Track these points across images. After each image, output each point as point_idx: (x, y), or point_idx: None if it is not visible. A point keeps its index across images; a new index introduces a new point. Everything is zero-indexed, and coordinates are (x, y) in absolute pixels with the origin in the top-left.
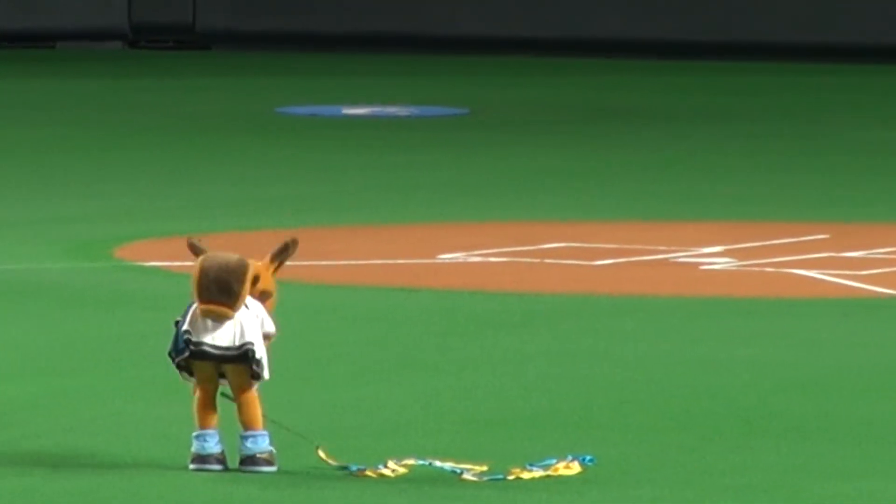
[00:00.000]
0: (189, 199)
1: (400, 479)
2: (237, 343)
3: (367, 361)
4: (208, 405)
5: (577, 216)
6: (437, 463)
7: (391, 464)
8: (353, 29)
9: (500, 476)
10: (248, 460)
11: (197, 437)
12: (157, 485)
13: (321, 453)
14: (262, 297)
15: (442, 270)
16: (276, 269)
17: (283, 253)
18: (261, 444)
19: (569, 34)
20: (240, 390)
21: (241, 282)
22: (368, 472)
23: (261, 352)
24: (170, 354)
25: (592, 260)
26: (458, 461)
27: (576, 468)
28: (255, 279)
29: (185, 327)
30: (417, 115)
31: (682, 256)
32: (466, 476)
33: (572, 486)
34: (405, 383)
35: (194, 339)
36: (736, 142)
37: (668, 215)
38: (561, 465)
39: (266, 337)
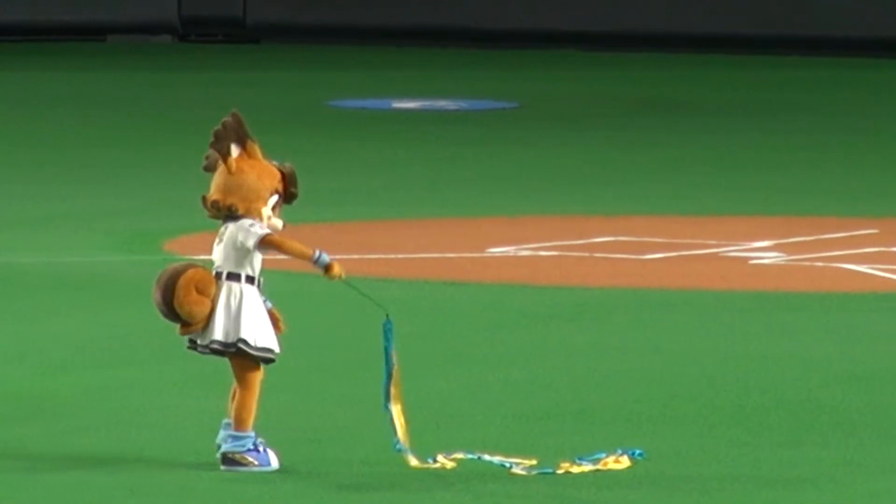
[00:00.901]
0: None
1: (448, 472)
2: (231, 339)
3: (416, 355)
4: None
5: (626, 210)
6: (486, 456)
7: (440, 457)
8: (403, 22)
9: (550, 470)
10: (222, 456)
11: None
12: (205, 479)
13: (401, 435)
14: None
15: (491, 264)
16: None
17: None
18: (236, 444)
19: (619, 28)
20: (239, 383)
21: (173, 300)
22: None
23: (255, 335)
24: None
25: (642, 254)
26: (507, 455)
27: (625, 462)
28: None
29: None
30: (467, 108)
31: (731, 251)
32: (516, 470)
33: (622, 480)
34: (454, 377)
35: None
36: (786, 136)
37: (717, 209)
38: (610, 459)
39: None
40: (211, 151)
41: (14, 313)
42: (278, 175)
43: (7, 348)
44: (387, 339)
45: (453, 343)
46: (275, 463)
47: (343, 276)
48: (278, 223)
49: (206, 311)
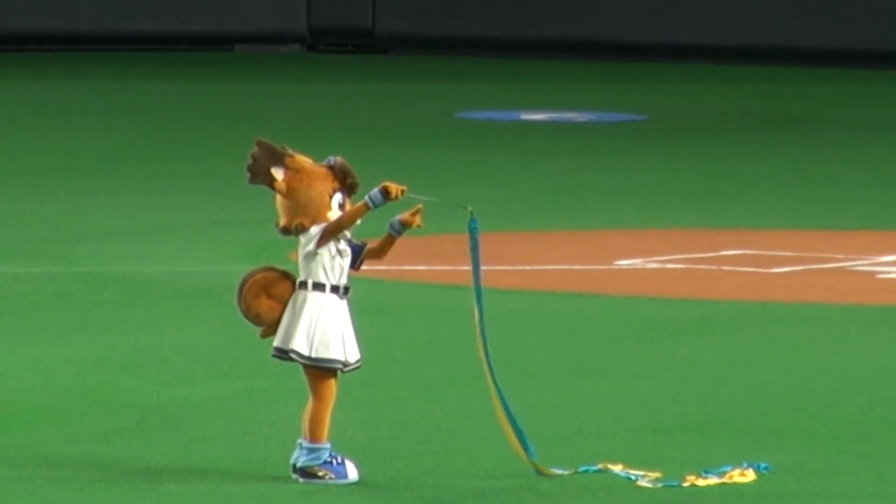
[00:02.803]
0: None
1: (574, 484)
2: (286, 347)
3: (542, 366)
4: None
5: (754, 223)
6: (612, 468)
7: (561, 470)
8: (531, 34)
9: (675, 483)
10: (295, 469)
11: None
12: (334, 492)
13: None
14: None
15: (619, 276)
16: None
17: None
18: (311, 457)
19: (747, 41)
20: (311, 393)
21: (241, 305)
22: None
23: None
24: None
25: (770, 267)
26: (632, 466)
27: (751, 475)
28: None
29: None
30: (595, 120)
31: (859, 265)
32: (641, 482)
33: (747, 493)
34: (580, 389)
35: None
36: None
37: (845, 223)
38: (736, 472)
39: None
40: (256, 179)
41: (138, 323)
42: (329, 173)
43: (131, 358)
44: (473, 238)
45: (580, 355)
46: (353, 475)
47: (404, 188)
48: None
49: (275, 315)
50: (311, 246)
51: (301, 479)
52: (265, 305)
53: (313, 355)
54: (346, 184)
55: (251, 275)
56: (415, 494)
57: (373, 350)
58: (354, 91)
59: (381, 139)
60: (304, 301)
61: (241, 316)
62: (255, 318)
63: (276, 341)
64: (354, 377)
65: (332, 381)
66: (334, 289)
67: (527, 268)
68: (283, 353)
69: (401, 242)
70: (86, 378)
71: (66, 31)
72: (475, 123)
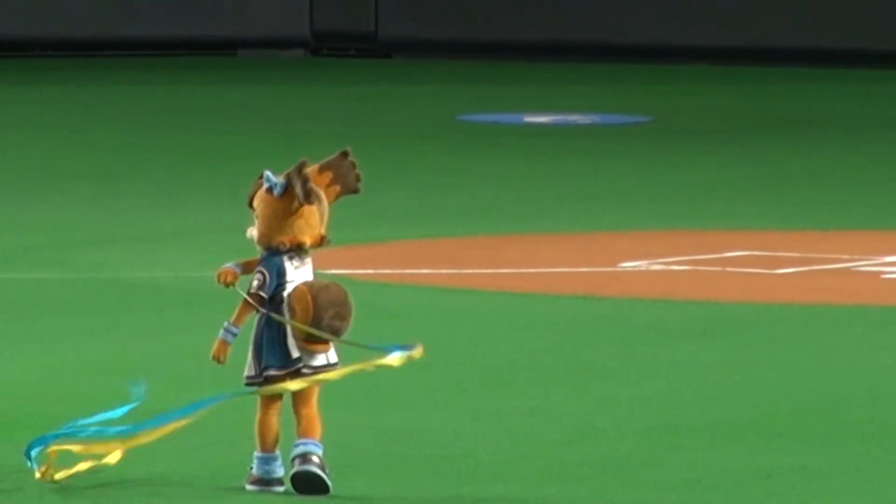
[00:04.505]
0: (370, 207)
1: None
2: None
3: (547, 369)
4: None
5: (758, 225)
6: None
7: None
8: (534, 37)
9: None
10: (301, 458)
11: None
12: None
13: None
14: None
15: (623, 278)
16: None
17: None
18: (312, 447)
19: (752, 43)
20: (302, 403)
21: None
22: None
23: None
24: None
25: (774, 268)
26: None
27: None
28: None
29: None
30: (600, 123)
31: (863, 265)
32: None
33: (751, 495)
34: (586, 390)
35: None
36: None
37: (849, 224)
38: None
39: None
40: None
41: (142, 329)
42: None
43: (136, 364)
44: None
45: (585, 357)
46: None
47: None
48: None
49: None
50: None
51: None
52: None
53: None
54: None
55: (345, 291)
56: (418, 499)
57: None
58: (358, 95)
59: (385, 143)
60: None
61: (331, 328)
62: (336, 334)
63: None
64: (359, 381)
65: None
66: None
67: (531, 270)
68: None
69: (405, 246)
70: (89, 384)
71: (67, 37)
72: (478, 126)
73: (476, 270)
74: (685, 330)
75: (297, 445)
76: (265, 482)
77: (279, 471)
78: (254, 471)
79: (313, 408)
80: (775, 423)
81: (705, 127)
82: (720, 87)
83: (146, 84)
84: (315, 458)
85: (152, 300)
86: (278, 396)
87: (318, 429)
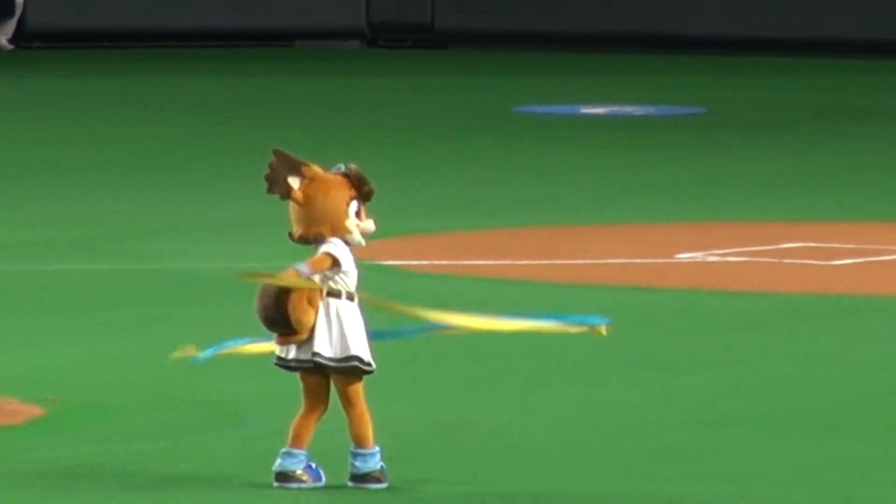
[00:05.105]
0: (426, 198)
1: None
2: (340, 354)
3: (603, 360)
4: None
5: (815, 216)
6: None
7: None
8: (590, 28)
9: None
10: (358, 478)
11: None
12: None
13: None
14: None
15: (679, 270)
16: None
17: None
18: (370, 462)
19: (807, 34)
20: (349, 403)
21: (286, 305)
22: None
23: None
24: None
25: (831, 260)
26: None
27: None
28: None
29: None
30: (654, 114)
31: None
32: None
33: (811, 486)
34: (640, 382)
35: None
36: None
37: None
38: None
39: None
40: (274, 189)
41: (202, 319)
42: (345, 182)
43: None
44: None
45: (640, 349)
46: (323, 479)
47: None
48: (369, 225)
49: (311, 323)
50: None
51: (276, 483)
52: (306, 311)
53: (368, 360)
54: (363, 191)
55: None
56: (473, 492)
57: (431, 345)
58: (413, 86)
59: (441, 134)
60: (337, 310)
61: (263, 318)
62: (297, 323)
63: (319, 348)
64: (414, 373)
65: (362, 383)
66: (349, 296)
67: (587, 262)
68: (338, 362)
69: (461, 237)
70: (151, 375)
71: (127, 28)
72: (534, 118)
73: (531, 262)
74: (741, 321)
75: (354, 458)
76: (284, 477)
77: (299, 467)
78: (275, 466)
79: (361, 406)
80: (832, 414)
81: (760, 118)
82: (775, 79)
83: (204, 75)
84: (372, 479)
85: (212, 291)
86: (323, 402)
87: (368, 432)
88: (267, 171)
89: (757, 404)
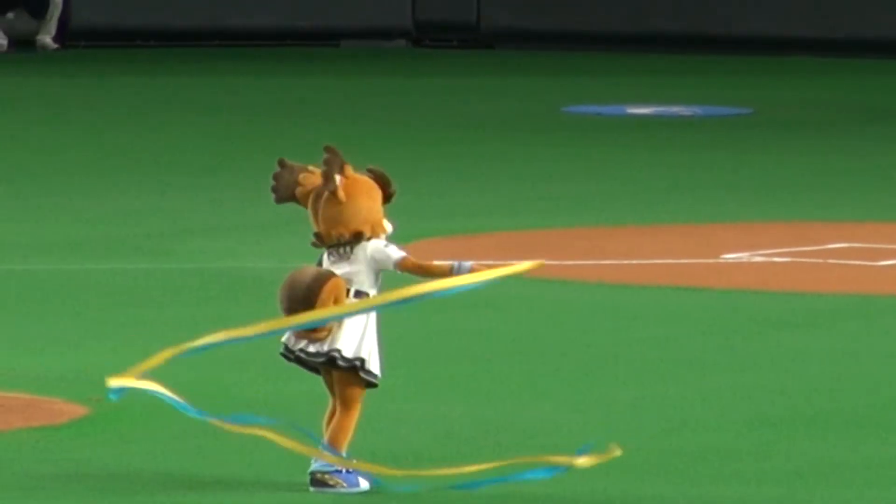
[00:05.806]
0: (473, 197)
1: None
2: (352, 356)
3: (648, 360)
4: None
5: (860, 217)
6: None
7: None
8: (637, 28)
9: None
10: (312, 477)
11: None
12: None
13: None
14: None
15: (725, 270)
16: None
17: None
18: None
19: (852, 34)
20: (343, 402)
21: (315, 301)
22: None
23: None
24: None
25: (876, 260)
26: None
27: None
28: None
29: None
30: (701, 114)
31: None
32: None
33: (856, 483)
34: (686, 382)
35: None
36: None
37: None
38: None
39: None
40: (276, 184)
41: (245, 319)
42: (376, 184)
43: (238, 354)
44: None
45: (686, 349)
46: (364, 484)
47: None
48: (388, 226)
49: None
50: (391, 265)
51: (312, 488)
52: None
53: (371, 368)
54: (388, 193)
55: (324, 276)
56: (520, 491)
57: (479, 343)
58: (460, 86)
59: (488, 134)
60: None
61: (288, 309)
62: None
63: (340, 345)
64: (462, 371)
65: (363, 394)
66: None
67: (633, 262)
68: (348, 361)
69: (508, 237)
70: (193, 374)
71: (173, 27)
72: (581, 118)
73: (578, 262)
74: (787, 321)
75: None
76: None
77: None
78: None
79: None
80: (878, 413)
81: (806, 119)
82: (821, 79)
83: (250, 75)
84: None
85: (256, 290)
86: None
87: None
88: (324, 168)
89: (802, 404)
